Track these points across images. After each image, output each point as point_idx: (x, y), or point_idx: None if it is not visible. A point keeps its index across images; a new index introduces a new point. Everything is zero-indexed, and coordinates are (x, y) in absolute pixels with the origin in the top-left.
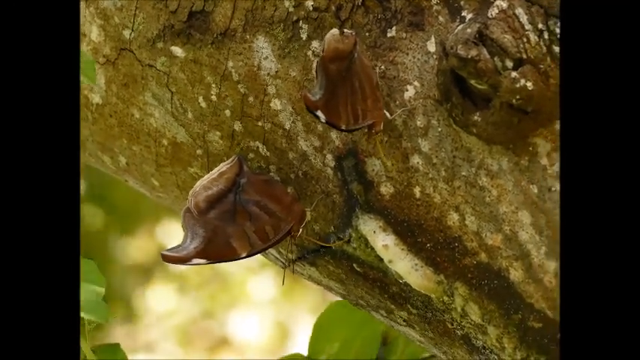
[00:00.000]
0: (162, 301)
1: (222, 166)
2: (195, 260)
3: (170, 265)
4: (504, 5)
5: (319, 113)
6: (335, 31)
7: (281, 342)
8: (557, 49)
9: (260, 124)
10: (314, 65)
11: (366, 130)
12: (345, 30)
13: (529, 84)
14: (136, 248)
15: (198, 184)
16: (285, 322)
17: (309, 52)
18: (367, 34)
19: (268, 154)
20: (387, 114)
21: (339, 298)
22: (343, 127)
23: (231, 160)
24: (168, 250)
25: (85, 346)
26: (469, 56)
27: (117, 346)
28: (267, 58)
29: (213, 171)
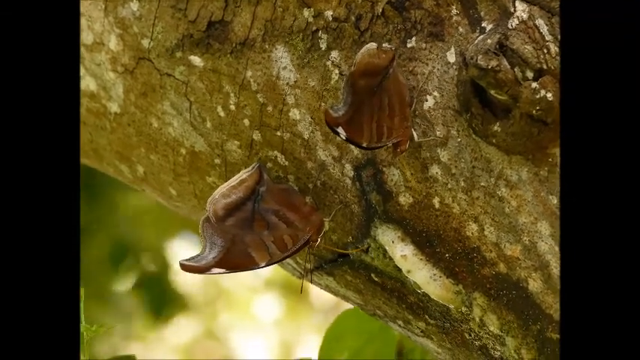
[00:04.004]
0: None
1: (242, 174)
2: (215, 270)
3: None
4: (525, 16)
5: (340, 130)
6: (372, 45)
7: None
8: None
9: (279, 133)
10: (333, 74)
11: (390, 148)
12: (384, 44)
13: (549, 95)
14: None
15: (218, 191)
16: (289, 342)
17: (329, 62)
18: (387, 44)
19: (287, 163)
20: (415, 134)
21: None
22: (365, 145)
23: (251, 167)
24: (186, 259)
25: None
26: (489, 67)
27: (132, 357)
28: (286, 67)
29: (233, 178)
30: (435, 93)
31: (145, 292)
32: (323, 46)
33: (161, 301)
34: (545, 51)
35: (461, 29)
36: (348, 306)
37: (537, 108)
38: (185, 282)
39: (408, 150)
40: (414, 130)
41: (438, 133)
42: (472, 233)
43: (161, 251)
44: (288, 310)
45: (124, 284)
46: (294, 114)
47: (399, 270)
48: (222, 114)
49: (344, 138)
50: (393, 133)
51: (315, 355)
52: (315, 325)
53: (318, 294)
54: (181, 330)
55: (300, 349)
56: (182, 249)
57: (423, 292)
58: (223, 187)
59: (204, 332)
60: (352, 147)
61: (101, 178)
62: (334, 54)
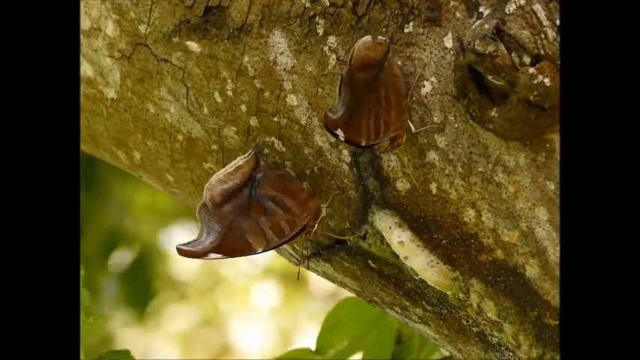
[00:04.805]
0: (163, 307)
1: (239, 160)
2: (212, 255)
3: (172, 271)
4: (522, 1)
5: (339, 132)
6: (367, 37)
7: (282, 350)
8: None
9: (276, 119)
10: (330, 59)
11: (387, 142)
12: (379, 37)
13: (546, 80)
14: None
15: (214, 177)
16: (287, 329)
17: (326, 48)
18: (384, 29)
19: (284, 149)
20: (412, 126)
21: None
22: (363, 144)
23: (248, 153)
24: (183, 244)
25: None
26: (486, 52)
27: (127, 352)
28: (283, 53)
29: (230, 165)
30: (433, 78)
31: (129, 283)
32: (320, 31)
33: (144, 292)
34: (543, 36)
35: (458, 14)
36: (347, 294)
37: (535, 93)
38: (183, 269)
39: (405, 136)
40: (412, 118)
41: (435, 119)
42: (469, 219)
43: (154, 240)
44: (286, 298)
45: (114, 273)
46: (292, 100)
47: (397, 256)
48: (219, 100)
49: (342, 139)
50: (390, 127)
51: (313, 343)
52: (313, 313)
53: (317, 282)
54: (179, 318)
55: (299, 337)
56: (179, 237)
57: (420, 279)
58: (220, 174)
59: (201, 320)
60: None
61: (99, 166)
62: (331, 39)
